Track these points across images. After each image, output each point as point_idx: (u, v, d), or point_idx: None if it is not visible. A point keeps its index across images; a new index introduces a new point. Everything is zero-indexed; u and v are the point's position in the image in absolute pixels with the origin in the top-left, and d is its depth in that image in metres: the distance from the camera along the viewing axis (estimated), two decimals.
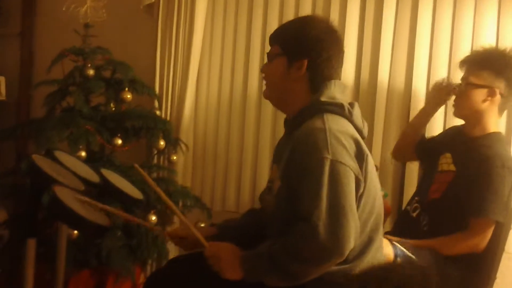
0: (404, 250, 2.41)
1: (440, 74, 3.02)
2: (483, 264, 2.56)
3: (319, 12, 3.38)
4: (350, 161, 1.94)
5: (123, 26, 3.85)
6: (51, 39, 4.07)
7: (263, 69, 2.20)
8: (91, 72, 3.30)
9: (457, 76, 2.78)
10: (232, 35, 3.64)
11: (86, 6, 3.38)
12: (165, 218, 3.36)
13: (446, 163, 2.65)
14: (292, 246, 1.90)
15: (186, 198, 3.37)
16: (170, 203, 2.23)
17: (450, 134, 2.82)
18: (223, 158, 3.69)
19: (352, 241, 1.87)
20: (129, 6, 3.80)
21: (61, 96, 3.38)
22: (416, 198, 2.75)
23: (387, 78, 3.23)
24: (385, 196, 2.74)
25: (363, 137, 2.10)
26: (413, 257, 2.40)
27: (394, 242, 2.41)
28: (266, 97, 2.23)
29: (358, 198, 1.97)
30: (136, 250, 3.23)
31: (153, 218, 3.18)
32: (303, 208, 1.90)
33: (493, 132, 2.60)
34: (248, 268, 1.97)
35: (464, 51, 3.00)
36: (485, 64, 2.57)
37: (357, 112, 2.10)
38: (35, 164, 2.07)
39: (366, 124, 2.16)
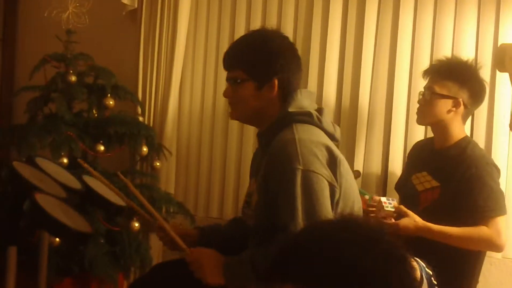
0: (428, 271, 2.43)
1: (421, 86, 3.06)
2: (466, 268, 2.57)
3: (301, 26, 3.39)
4: (322, 169, 1.95)
5: (106, 32, 3.84)
6: (33, 45, 4.05)
7: (228, 95, 2.16)
8: (73, 78, 3.28)
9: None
10: (215, 41, 3.64)
11: (68, 12, 3.37)
12: (148, 224, 3.34)
13: (426, 181, 2.66)
14: (272, 255, 1.91)
15: (169, 204, 3.36)
16: (152, 210, 2.23)
17: (416, 152, 2.85)
18: (206, 164, 3.69)
19: None
20: (112, 12, 3.78)
21: (43, 102, 3.36)
22: None
23: (369, 84, 3.25)
24: (370, 199, 2.73)
25: (336, 141, 2.13)
26: (431, 273, 2.42)
27: (419, 261, 2.41)
28: (234, 119, 2.23)
29: (335, 204, 1.99)
30: (119, 257, 3.21)
31: (136, 224, 3.17)
32: (280, 219, 1.92)
33: (461, 139, 2.65)
34: (229, 275, 1.99)
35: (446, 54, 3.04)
36: (450, 75, 2.61)
37: (326, 118, 2.11)
38: (16, 171, 2.06)
39: (338, 128, 2.18)
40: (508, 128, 2.88)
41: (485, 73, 2.88)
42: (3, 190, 3.07)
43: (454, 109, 2.61)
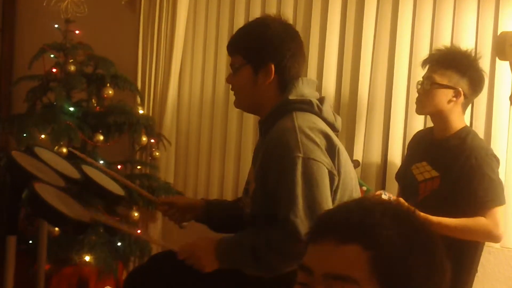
0: None
1: (421, 76, 3.05)
2: (464, 257, 2.58)
3: (301, 13, 3.38)
4: (322, 157, 1.96)
5: (105, 21, 3.83)
6: (32, 34, 4.04)
7: (229, 80, 2.19)
8: (72, 68, 3.28)
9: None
10: (215, 30, 3.63)
11: (67, 1, 3.36)
12: (147, 214, 3.35)
13: (426, 171, 2.66)
14: (274, 242, 1.93)
15: (169, 194, 3.36)
16: (141, 191, 2.24)
17: (416, 143, 2.85)
18: (205, 153, 3.68)
19: None
20: (111, 1, 3.77)
21: (42, 92, 3.36)
22: None
23: (369, 73, 3.24)
24: (368, 191, 2.74)
25: (336, 131, 2.13)
26: None
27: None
28: (237, 107, 2.25)
29: (334, 192, 1.99)
30: (118, 247, 3.22)
31: (136, 214, 3.17)
32: (281, 207, 1.92)
33: (461, 129, 2.64)
34: (225, 259, 2.00)
35: None
36: (450, 64, 2.60)
37: (327, 107, 2.11)
38: (15, 161, 2.06)
39: (338, 118, 2.17)
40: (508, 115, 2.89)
41: (485, 63, 2.88)
42: (2, 179, 3.08)
43: (454, 99, 2.60)
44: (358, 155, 3.23)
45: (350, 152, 3.21)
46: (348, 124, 3.26)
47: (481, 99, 2.94)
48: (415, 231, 1.04)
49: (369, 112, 3.23)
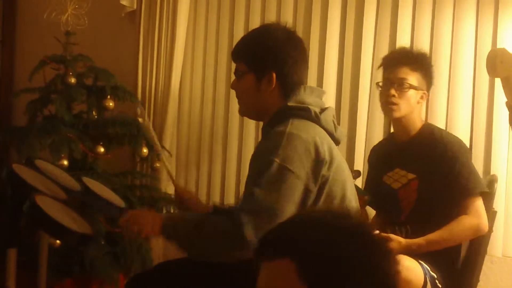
0: (433, 274, 2.43)
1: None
2: (466, 266, 2.57)
3: (300, 20, 3.40)
4: (300, 169, 1.95)
5: (105, 33, 3.84)
6: (32, 46, 4.05)
7: (234, 87, 2.20)
8: (72, 79, 3.28)
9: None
10: (214, 41, 3.64)
11: (67, 13, 3.37)
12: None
13: (401, 176, 2.64)
14: (218, 228, 1.97)
15: (169, 205, 3.36)
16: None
17: (378, 155, 2.82)
18: (206, 165, 3.69)
19: None
20: (111, 14, 3.78)
21: (42, 104, 3.36)
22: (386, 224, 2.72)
23: (369, 81, 3.25)
24: (369, 200, 2.73)
25: (336, 141, 2.12)
26: (436, 276, 2.42)
27: (423, 264, 2.41)
28: (242, 114, 2.29)
29: (310, 204, 1.98)
30: (120, 258, 3.21)
31: None
32: (241, 202, 1.97)
33: (423, 125, 2.65)
34: (168, 226, 2.03)
35: (444, 55, 3.05)
36: (418, 66, 2.61)
37: (327, 116, 2.10)
38: (16, 174, 2.06)
39: (340, 129, 2.16)
40: (508, 125, 2.89)
41: (484, 75, 2.89)
42: (3, 191, 3.08)
43: (421, 100, 2.63)
44: (358, 165, 3.23)
45: (351, 162, 3.21)
46: (348, 133, 3.26)
47: (481, 109, 2.96)
48: (342, 235, 1.08)
49: (370, 121, 3.24)
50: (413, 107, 2.60)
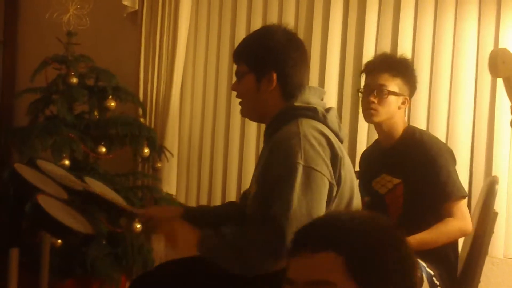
0: (430, 271, 2.43)
1: (424, 85, 3.06)
2: (467, 267, 2.57)
3: (302, 21, 3.40)
4: (323, 167, 1.96)
5: (107, 33, 3.84)
6: (34, 47, 4.05)
7: (234, 88, 2.21)
8: (74, 80, 3.29)
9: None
10: (216, 42, 3.65)
11: (69, 14, 3.37)
12: (149, 226, 3.34)
13: (387, 181, 2.65)
14: (259, 240, 1.93)
15: (171, 205, 3.36)
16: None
17: (367, 161, 2.84)
18: (208, 165, 3.69)
19: None
20: (112, 14, 3.78)
21: (44, 104, 3.37)
22: None
23: None
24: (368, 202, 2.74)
25: (340, 141, 2.13)
26: (433, 274, 2.43)
27: (419, 261, 2.41)
28: (243, 115, 2.27)
29: (331, 201, 1.99)
30: (121, 258, 3.21)
31: (138, 226, 3.17)
32: (272, 208, 1.93)
33: (405, 129, 2.66)
34: (205, 247, 1.99)
35: (446, 56, 3.06)
36: (399, 72, 2.62)
37: (332, 116, 2.11)
38: (18, 174, 2.06)
39: (343, 129, 2.18)
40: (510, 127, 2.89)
41: (486, 76, 2.90)
42: (5, 191, 3.08)
43: (402, 105, 2.64)
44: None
45: (352, 163, 3.19)
46: (350, 133, 3.26)
47: (483, 111, 2.96)
48: (381, 231, 1.15)
49: None
50: (393, 113, 2.62)
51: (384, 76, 2.61)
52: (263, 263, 1.94)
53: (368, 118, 2.67)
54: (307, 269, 1.11)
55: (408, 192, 2.58)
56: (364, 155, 2.93)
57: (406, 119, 2.80)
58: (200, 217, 2.33)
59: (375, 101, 2.59)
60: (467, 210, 2.57)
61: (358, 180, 2.83)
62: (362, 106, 2.70)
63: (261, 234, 1.93)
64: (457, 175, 2.58)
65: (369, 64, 2.73)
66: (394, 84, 2.60)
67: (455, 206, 2.52)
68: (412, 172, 2.56)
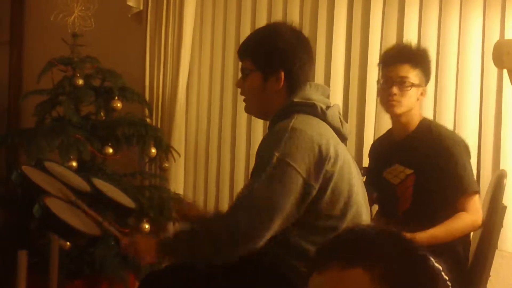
0: (438, 266, 2.42)
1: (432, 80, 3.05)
2: (476, 261, 2.57)
3: (307, 17, 3.40)
4: (300, 163, 1.95)
5: (112, 34, 3.84)
6: (40, 48, 4.06)
7: (239, 85, 2.21)
8: (80, 81, 3.29)
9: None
10: (221, 40, 3.65)
11: (74, 15, 3.38)
12: (158, 226, 3.35)
13: (400, 172, 2.64)
14: (212, 228, 1.99)
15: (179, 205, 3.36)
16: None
17: (377, 151, 2.83)
18: (215, 164, 3.69)
19: (266, 238, 1.93)
20: (117, 15, 3.79)
21: (51, 105, 3.38)
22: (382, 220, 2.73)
23: (376, 79, 3.24)
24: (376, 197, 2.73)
25: (342, 137, 2.12)
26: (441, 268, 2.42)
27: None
28: (247, 112, 2.28)
29: (313, 201, 1.97)
30: (129, 259, 3.22)
31: (146, 226, 3.18)
32: (238, 196, 2.00)
33: (421, 121, 2.65)
34: (162, 250, 2.05)
35: (452, 50, 3.05)
36: (418, 63, 2.61)
37: (333, 112, 2.10)
38: (26, 176, 2.07)
39: (346, 125, 2.17)
40: None
41: (492, 69, 2.88)
42: (13, 193, 3.09)
43: (421, 96, 2.63)
44: (367, 162, 3.22)
45: (359, 159, 3.20)
46: (356, 130, 3.26)
47: (490, 107, 2.95)
48: (406, 247, 1.10)
49: (377, 118, 3.23)
50: (413, 104, 2.61)
51: (405, 68, 2.59)
52: (219, 251, 1.97)
53: (390, 108, 2.64)
54: (334, 287, 1.07)
55: (419, 183, 2.57)
56: (374, 145, 2.91)
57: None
58: None
59: (397, 93, 2.58)
60: (480, 205, 2.56)
61: (366, 175, 2.85)
62: (381, 97, 2.68)
63: (216, 222, 2.02)
64: (472, 170, 2.58)
65: (389, 55, 2.71)
66: (414, 75, 2.59)
67: (471, 200, 2.52)
68: (426, 164, 2.55)
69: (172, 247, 2.06)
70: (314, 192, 1.97)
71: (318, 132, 2.01)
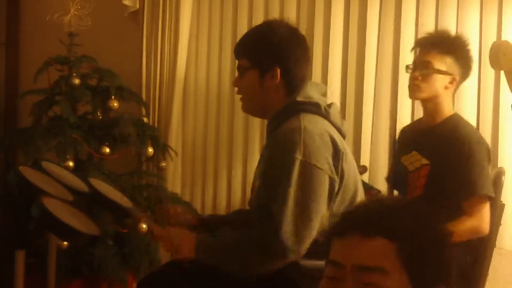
0: None
1: None
2: (475, 259, 2.57)
3: (304, 15, 3.40)
4: (323, 162, 1.95)
5: (108, 34, 3.84)
6: (36, 48, 4.05)
7: (236, 83, 2.21)
8: (77, 81, 3.28)
9: None
10: (218, 39, 3.64)
11: (70, 14, 3.36)
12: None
13: (416, 160, 2.63)
14: (254, 238, 1.94)
15: (176, 204, 3.35)
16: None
17: (405, 136, 2.82)
18: (212, 163, 3.69)
19: (310, 242, 1.91)
20: (114, 14, 3.78)
21: (47, 105, 3.36)
22: None
23: (374, 77, 3.24)
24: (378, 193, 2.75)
25: (342, 136, 2.13)
26: None
27: None
28: (244, 110, 2.26)
29: (334, 195, 1.99)
30: (128, 258, 3.22)
31: (144, 226, 3.16)
32: (270, 205, 1.93)
33: (451, 115, 2.63)
34: (201, 249, 2.01)
35: None
36: (449, 50, 2.57)
37: (334, 111, 2.11)
38: (23, 176, 2.06)
39: (345, 123, 2.18)
40: None
41: (490, 69, 2.88)
42: (10, 193, 3.08)
43: (450, 85, 2.59)
44: (365, 160, 3.22)
45: (357, 157, 3.20)
46: (354, 129, 3.26)
47: (487, 101, 2.94)
48: (429, 223, 1.13)
49: (375, 116, 3.23)
50: (438, 92, 2.58)
51: (431, 53, 2.57)
52: (261, 262, 1.94)
53: (411, 94, 2.64)
54: (356, 253, 1.07)
55: (433, 176, 2.56)
56: (404, 130, 2.89)
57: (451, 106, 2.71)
58: (213, 226, 2.34)
59: (419, 78, 2.57)
60: (488, 212, 2.50)
61: (361, 176, 2.85)
62: (408, 81, 2.66)
63: (258, 232, 1.94)
64: (489, 176, 2.53)
65: (421, 39, 2.71)
66: (441, 62, 2.56)
67: (478, 204, 2.48)
68: (445, 158, 2.53)
69: (211, 248, 2.02)
70: (337, 186, 1.98)
71: (327, 129, 2.02)
